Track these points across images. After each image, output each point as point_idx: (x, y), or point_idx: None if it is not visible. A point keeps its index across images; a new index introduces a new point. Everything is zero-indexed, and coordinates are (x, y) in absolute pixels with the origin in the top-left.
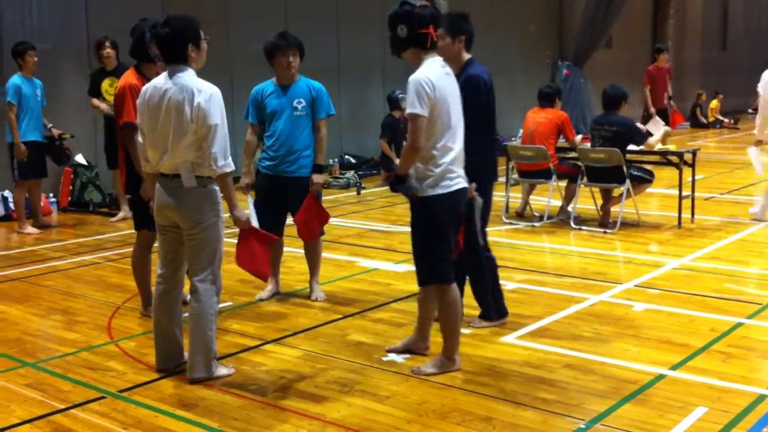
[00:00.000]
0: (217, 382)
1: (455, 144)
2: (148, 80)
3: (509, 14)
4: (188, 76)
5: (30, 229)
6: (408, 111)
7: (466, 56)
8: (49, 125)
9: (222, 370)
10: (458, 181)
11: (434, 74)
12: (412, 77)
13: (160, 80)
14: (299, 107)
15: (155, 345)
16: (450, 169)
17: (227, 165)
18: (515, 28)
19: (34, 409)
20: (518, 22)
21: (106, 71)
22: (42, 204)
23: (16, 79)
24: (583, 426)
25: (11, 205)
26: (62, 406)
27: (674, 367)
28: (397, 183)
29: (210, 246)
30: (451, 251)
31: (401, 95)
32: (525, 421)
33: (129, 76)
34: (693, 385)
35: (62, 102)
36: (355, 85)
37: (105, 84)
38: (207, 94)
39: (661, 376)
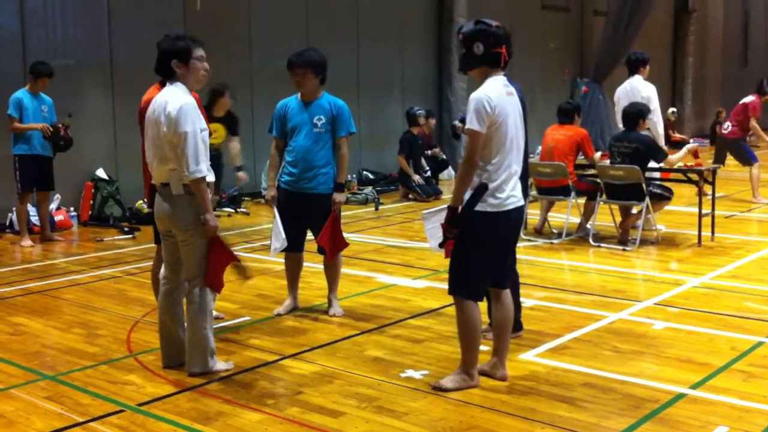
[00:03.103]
0: (235, 397)
1: (511, 162)
2: None
3: (529, 32)
4: (171, 90)
5: (25, 242)
6: (467, 127)
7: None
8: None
9: (220, 365)
10: (511, 201)
11: (495, 93)
12: (474, 94)
13: (156, 96)
14: (319, 124)
15: (160, 344)
16: (502, 187)
17: (198, 171)
18: (535, 45)
19: (54, 421)
20: (538, 39)
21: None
22: (62, 218)
23: (19, 93)
24: None
25: (33, 218)
26: (81, 419)
27: (695, 386)
28: (454, 219)
29: (199, 250)
30: (488, 269)
31: (419, 111)
32: None
33: (154, 92)
34: (714, 405)
35: (84, 117)
36: (374, 102)
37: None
38: (177, 105)
39: (681, 395)
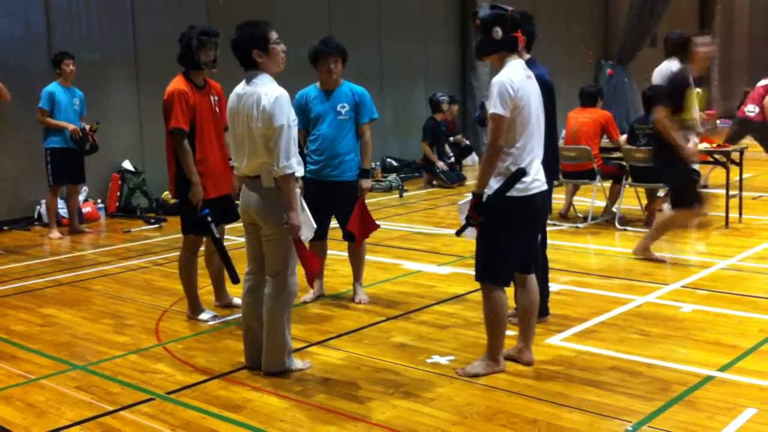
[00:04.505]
0: (263, 384)
1: (534, 146)
2: (196, 86)
3: (553, 14)
4: (260, 81)
5: (54, 234)
6: (490, 111)
7: (526, 56)
8: (83, 124)
9: (297, 364)
10: (535, 185)
11: (517, 76)
12: (496, 79)
13: (239, 87)
14: (343, 111)
15: (243, 341)
16: (527, 171)
17: (288, 167)
18: (559, 28)
19: (84, 411)
20: (562, 22)
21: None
22: (90, 209)
23: (51, 87)
24: (630, 428)
25: (61, 211)
26: (111, 408)
27: (723, 369)
28: (479, 206)
29: (284, 246)
30: (514, 254)
31: (442, 98)
32: (571, 423)
33: (178, 83)
34: (742, 387)
35: (111, 110)
36: (397, 89)
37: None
38: (272, 97)
39: (709, 378)
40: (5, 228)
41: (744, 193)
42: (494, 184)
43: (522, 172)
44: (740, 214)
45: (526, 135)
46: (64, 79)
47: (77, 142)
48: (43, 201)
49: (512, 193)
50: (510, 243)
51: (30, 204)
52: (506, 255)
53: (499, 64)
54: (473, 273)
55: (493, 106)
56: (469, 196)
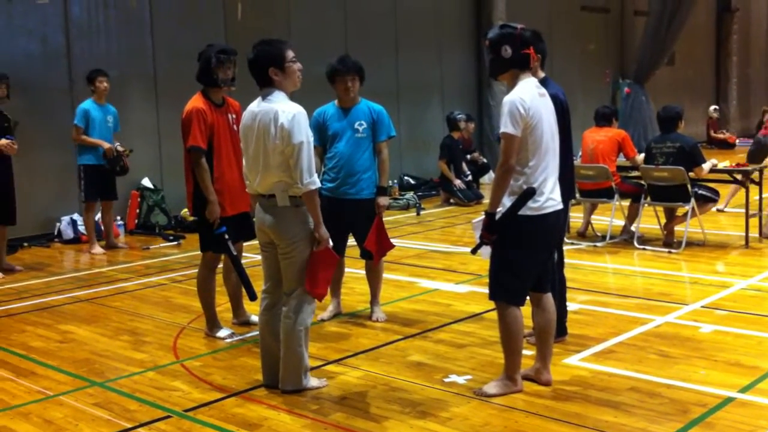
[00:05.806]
0: (280, 403)
1: (548, 164)
2: (214, 104)
3: (569, 32)
4: (276, 99)
5: (97, 249)
6: (501, 130)
7: (541, 74)
8: (116, 143)
9: (313, 382)
10: (549, 204)
11: (528, 95)
12: (507, 98)
13: (254, 105)
14: (360, 129)
15: (261, 359)
16: (540, 190)
17: (312, 182)
18: (575, 47)
19: (102, 428)
20: (578, 40)
21: None
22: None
23: (86, 104)
24: None
25: (81, 228)
26: (129, 425)
27: (743, 390)
28: (492, 225)
29: (301, 263)
30: (527, 273)
31: (460, 116)
32: None
33: (196, 101)
34: (763, 408)
35: (129, 126)
36: (414, 107)
37: None
38: (290, 115)
39: (729, 399)
40: (25, 244)
41: (764, 213)
42: (507, 202)
43: (532, 192)
44: (760, 233)
45: (540, 154)
46: (98, 96)
47: (110, 161)
48: (64, 218)
49: (525, 212)
50: (523, 262)
51: (51, 221)
52: (519, 274)
53: (511, 82)
54: None
55: (504, 125)
56: (483, 215)
